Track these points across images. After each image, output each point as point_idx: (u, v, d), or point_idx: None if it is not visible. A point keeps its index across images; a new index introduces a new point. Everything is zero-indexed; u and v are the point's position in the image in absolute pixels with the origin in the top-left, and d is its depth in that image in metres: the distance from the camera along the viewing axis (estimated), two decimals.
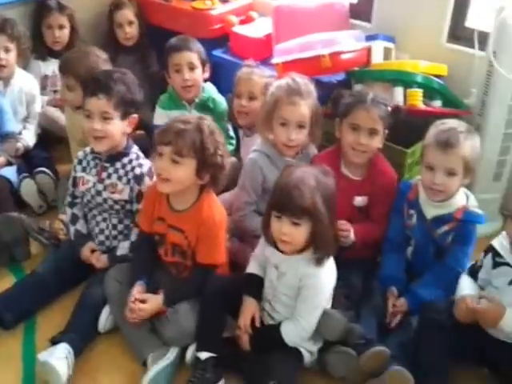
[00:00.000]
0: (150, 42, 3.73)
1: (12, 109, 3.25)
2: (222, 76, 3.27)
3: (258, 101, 2.76)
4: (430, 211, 2.33)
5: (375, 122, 2.37)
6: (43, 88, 3.55)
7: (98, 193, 2.47)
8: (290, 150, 2.52)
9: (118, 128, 2.39)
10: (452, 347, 2.11)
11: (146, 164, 2.46)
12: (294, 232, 2.00)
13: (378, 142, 2.41)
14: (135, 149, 2.50)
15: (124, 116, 2.39)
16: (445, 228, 2.31)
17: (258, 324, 2.19)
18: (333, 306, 2.22)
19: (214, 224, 2.23)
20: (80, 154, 2.56)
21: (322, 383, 2.22)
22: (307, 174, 2.02)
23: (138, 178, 2.43)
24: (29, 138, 3.31)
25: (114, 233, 2.52)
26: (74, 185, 2.57)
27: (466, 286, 2.19)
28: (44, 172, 3.09)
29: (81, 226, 2.58)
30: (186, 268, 2.34)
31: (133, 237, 2.47)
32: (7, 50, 3.20)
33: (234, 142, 3.16)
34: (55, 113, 3.43)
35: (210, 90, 3.09)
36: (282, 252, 2.11)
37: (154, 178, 2.38)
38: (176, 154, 2.12)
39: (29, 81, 3.38)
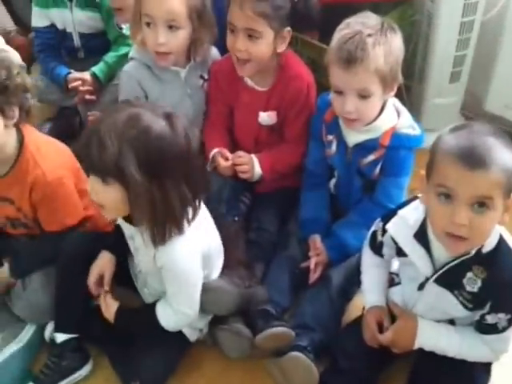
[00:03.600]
0: None
1: None
2: None
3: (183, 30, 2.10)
4: (352, 137, 1.78)
5: (252, 20, 1.76)
6: None
7: None
8: (164, 60, 1.92)
9: None
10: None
11: None
12: (102, 194, 1.42)
13: (262, 47, 1.81)
14: None
15: None
16: (371, 157, 1.76)
17: (106, 286, 1.67)
18: (230, 263, 1.74)
19: (49, 184, 1.66)
20: None
21: (216, 358, 1.77)
22: (127, 117, 1.38)
23: None
24: None
25: None
26: None
27: (371, 283, 1.64)
28: None
29: None
30: (37, 235, 1.82)
31: None
32: None
33: (130, 41, 2.49)
34: None
35: None
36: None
37: None
38: None
39: None
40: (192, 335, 1.71)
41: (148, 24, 1.85)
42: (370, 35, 1.60)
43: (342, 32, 1.65)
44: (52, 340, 1.72)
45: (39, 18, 2.46)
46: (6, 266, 1.77)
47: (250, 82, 1.96)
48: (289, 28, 1.84)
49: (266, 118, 1.97)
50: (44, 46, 2.50)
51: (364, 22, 1.64)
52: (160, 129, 1.37)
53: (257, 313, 1.72)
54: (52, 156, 1.68)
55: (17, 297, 1.76)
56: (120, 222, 1.61)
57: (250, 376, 1.74)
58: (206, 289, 1.62)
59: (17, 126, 1.64)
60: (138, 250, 1.61)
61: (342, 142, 1.82)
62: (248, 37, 1.79)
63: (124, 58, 2.43)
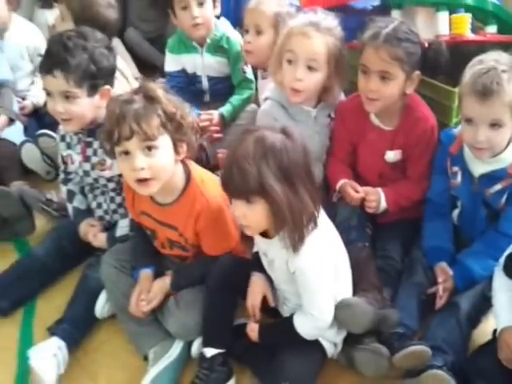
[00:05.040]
0: None
1: (13, 64, 2.96)
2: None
3: (265, 35, 2.35)
4: (478, 168, 1.90)
5: (386, 63, 1.92)
6: None
7: (86, 173, 2.15)
8: (297, 96, 2.09)
9: (86, 106, 2.00)
10: None
11: None
12: (249, 213, 1.61)
13: (393, 88, 1.97)
14: None
15: (92, 91, 1.99)
16: (498, 186, 1.88)
17: (271, 303, 1.86)
18: (362, 288, 1.86)
19: (212, 212, 1.84)
20: (61, 128, 2.20)
21: (351, 378, 1.89)
22: (253, 141, 1.57)
23: None
24: (38, 94, 3.01)
25: (113, 206, 2.21)
26: (64, 163, 2.25)
27: (504, 305, 1.73)
28: (46, 134, 2.78)
29: (78, 202, 2.27)
30: (189, 258, 2.02)
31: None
32: None
33: (252, 85, 2.73)
34: None
35: (223, 27, 2.68)
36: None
37: None
38: (147, 141, 1.69)
39: (30, 32, 3.07)
40: (329, 349, 1.83)
41: (289, 61, 2.04)
42: (504, 71, 1.74)
43: (475, 67, 1.78)
44: (201, 354, 1.88)
45: (172, 63, 2.70)
46: (169, 277, 1.95)
47: (376, 122, 2.10)
48: (418, 72, 1.99)
49: (392, 155, 2.11)
50: (176, 88, 2.69)
51: (497, 59, 1.77)
52: (282, 142, 1.57)
53: (391, 334, 1.83)
54: (212, 187, 1.87)
55: (170, 314, 1.93)
56: (257, 239, 1.78)
57: None
58: (343, 304, 1.76)
59: (183, 160, 1.85)
60: (272, 262, 1.76)
61: (467, 172, 1.93)
62: (381, 78, 1.95)
63: (247, 102, 2.67)
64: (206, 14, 2.55)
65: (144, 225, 1.99)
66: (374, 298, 1.84)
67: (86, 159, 2.13)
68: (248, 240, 1.92)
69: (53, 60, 1.95)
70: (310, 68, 2.03)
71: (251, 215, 1.61)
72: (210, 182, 1.88)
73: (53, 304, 2.20)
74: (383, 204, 2.08)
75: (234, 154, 1.58)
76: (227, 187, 1.62)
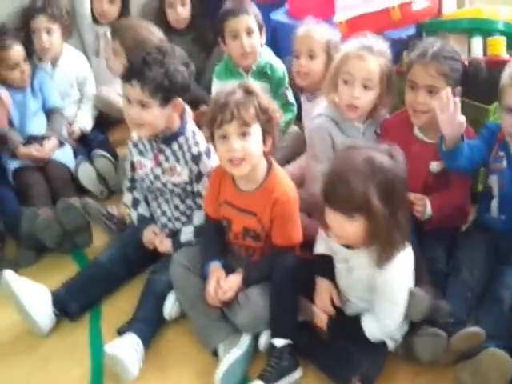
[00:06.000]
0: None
1: (62, 91, 3.16)
2: (281, 40, 3.09)
3: (318, 59, 2.56)
4: None
5: (434, 78, 2.14)
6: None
7: (157, 177, 2.32)
8: (353, 112, 2.29)
9: (158, 115, 2.19)
10: None
11: (203, 142, 2.27)
12: (347, 227, 1.75)
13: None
14: (190, 126, 2.32)
15: (164, 102, 2.18)
16: None
17: (337, 303, 2.01)
18: (416, 284, 2.02)
19: (288, 201, 2.05)
20: (135, 136, 2.39)
21: (407, 368, 2.04)
22: (363, 159, 1.72)
23: (196, 158, 2.25)
24: (84, 120, 3.22)
25: (177, 214, 2.37)
26: (133, 169, 2.44)
27: None
28: (103, 155, 2.98)
29: (143, 209, 2.45)
30: (257, 250, 2.19)
31: (196, 221, 2.32)
32: (49, 32, 3.09)
33: (294, 108, 2.94)
34: (110, 94, 3.29)
35: (267, 54, 2.89)
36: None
37: (213, 159, 2.24)
38: (244, 126, 1.95)
39: (79, 62, 3.28)
40: (390, 344, 1.99)
41: (346, 82, 2.25)
42: None
43: None
44: (271, 345, 2.02)
45: (219, 89, 2.74)
46: (241, 274, 2.12)
47: (420, 136, 2.29)
48: (459, 87, 2.19)
49: (435, 166, 2.29)
50: None
51: None
52: (389, 164, 1.73)
53: (444, 324, 1.99)
54: (287, 180, 2.09)
55: (240, 308, 2.08)
56: (338, 247, 1.94)
57: (440, 382, 1.99)
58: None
59: (265, 154, 2.06)
60: (352, 269, 1.93)
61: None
62: (428, 92, 2.16)
63: (289, 124, 2.88)
64: (254, 43, 2.78)
65: (222, 215, 2.18)
66: (427, 291, 1.99)
67: (158, 164, 2.30)
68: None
69: (132, 71, 2.16)
70: (365, 87, 2.24)
71: (348, 228, 1.76)
72: (286, 178, 2.10)
73: (118, 308, 2.34)
74: (428, 211, 2.24)
75: (341, 169, 1.73)
76: (330, 198, 1.75)
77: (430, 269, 2.20)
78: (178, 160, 2.26)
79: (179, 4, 3.37)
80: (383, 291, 1.86)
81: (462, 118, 2.04)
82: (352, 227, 1.75)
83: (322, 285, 2.03)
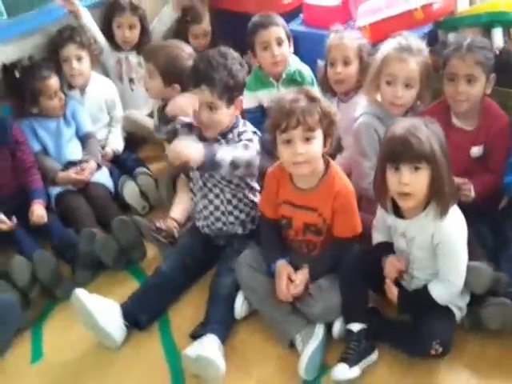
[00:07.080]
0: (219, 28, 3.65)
1: (92, 116, 3.26)
2: (300, 49, 3.20)
3: (353, 65, 2.69)
4: None
5: (471, 68, 2.29)
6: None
7: None
8: (396, 109, 2.44)
9: (225, 115, 2.32)
10: None
11: (255, 139, 2.37)
12: (415, 180, 1.91)
13: (478, 89, 2.33)
14: (241, 121, 2.44)
15: (230, 102, 2.31)
16: None
17: (403, 267, 2.10)
18: (470, 258, 2.14)
19: (347, 194, 2.18)
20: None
21: (474, 340, 2.17)
22: (417, 122, 1.95)
23: (246, 146, 2.32)
24: (116, 142, 3.32)
25: (230, 208, 2.47)
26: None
27: None
28: (145, 173, 3.08)
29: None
30: (317, 245, 2.30)
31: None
32: (79, 59, 3.19)
33: None
34: (137, 114, 3.41)
35: (295, 62, 3.03)
36: (403, 217, 2.04)
37: (253, 147, 2.32)
38: (308, 131, 2.06)
39: (106, 86, 3.38)
40: (457, 313, 2.11)
41: (388, 82, 2.39)
42: None
43: None
44: (348, 331, 2.12)
45: (249, 100, 2.98)
46: (307, 270, 2.22)
47: (458, 124, 2.43)
48: (494, 74, 2.34)
49: (476, 151, 2.43)
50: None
51: None
52: (438, 127, 1.98)
53: (506, 294, 2.12)
54: (344, 174, 2.23)
55: (315, 299, 2.19)
56: (392, 220, 2.08)
57: (508, 352, 2.11)
58: (468, 267, 2.05)
59: (323, 154, 2.18)
60: (412, 240, 2.06)
61: None
62: (467, 82, 2.31)
63: None
64: (284, 52, 2.92)
65: (282, 215, 2.28)
66: (487, 264, 2.13)
67: None
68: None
69: (200, 76, 2.27)
70: (407, 85, 2.39)
71: (416, 182, 1.92)
72: (342, 173, 2.23)
73: (184, 314, 2.44)
74: (473, 193, 2.36)
75: (406, 127, 1.92)
76: (399, 154, 1.91)
77: (480, 243, 2.31)
78: None
79: (202, 36, 3.60)
80: (443, 247, 1.99)
81: None
82: (419, 180, 1.91)
83: (388, 260, 2.13)
